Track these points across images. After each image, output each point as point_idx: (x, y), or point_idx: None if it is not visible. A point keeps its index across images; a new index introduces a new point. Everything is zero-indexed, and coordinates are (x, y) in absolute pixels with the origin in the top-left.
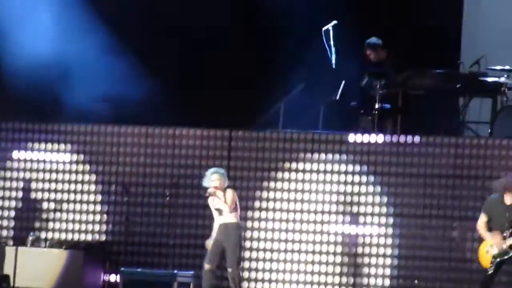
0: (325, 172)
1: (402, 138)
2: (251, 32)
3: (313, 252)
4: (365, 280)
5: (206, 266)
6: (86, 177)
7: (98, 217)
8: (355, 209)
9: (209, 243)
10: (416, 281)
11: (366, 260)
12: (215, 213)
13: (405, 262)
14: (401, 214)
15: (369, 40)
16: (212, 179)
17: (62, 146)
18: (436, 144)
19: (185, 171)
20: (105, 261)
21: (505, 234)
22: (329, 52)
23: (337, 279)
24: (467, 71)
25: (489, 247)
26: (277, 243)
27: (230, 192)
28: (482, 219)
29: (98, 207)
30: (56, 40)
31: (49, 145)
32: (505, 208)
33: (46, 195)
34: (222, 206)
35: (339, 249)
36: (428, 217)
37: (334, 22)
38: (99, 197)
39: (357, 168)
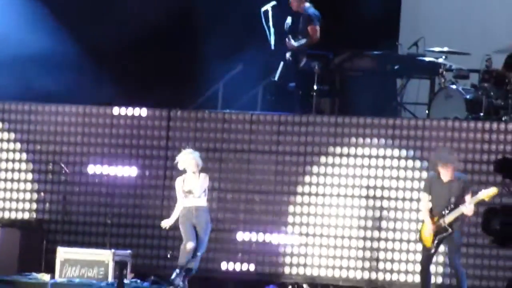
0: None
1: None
2: (189, 12)
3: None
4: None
5: (190, 244)
6: (24, 156)
7: (35, 196)
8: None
9: (166, 224)
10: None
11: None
12: (181, 195)
13: None
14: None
15: None
16: (189, 160)
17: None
18: (374, 125)
19: (123, 151)
20: (43, 240)
21: (443, 212)
22: (268, 33)
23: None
24: (405, 52)
25: (428, 228)
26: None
27: (205, 176)
28: (424, 199)
29: (36, 186)
30: None
31: None
32: (443, 185)
33: None
34: (195, 188)
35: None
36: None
37: (273, 2)
38: (36, 176)
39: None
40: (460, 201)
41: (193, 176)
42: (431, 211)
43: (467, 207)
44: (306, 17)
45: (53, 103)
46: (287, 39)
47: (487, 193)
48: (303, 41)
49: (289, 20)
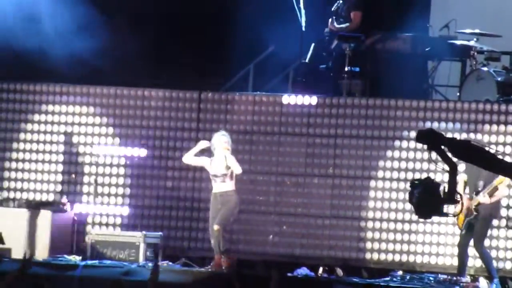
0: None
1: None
2: None
3: None
4: None
5: (216, 226)
6: (55, 138)
7: (66, 178)
8: None
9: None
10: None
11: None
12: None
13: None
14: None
15: None
16: (223, 141)
17: (32, 106)
18: (405, 108)
19: (154, 133)
20: (74, 222)
21: (473, 195)
22: (299, 14)
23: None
24: (437, 34)
25: (462, 209)
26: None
27: (233, 159)
28: (461, 181)
29: (67, 168)
30: None
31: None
32: (476, 168)
33: (14, 155)
34: (222, 171)
35: None
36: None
37: None
38: (67, 158)
39: None
40: (488, 186)
41: (221, 158)
42: (466, 192)
43: (483, 195)
44: (352, 2)
45: (79, 85)
46: (330, 19)
47: (499, 180)
48: (344, 25)
49: (339, 3)
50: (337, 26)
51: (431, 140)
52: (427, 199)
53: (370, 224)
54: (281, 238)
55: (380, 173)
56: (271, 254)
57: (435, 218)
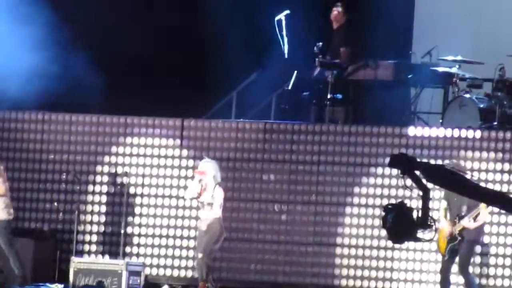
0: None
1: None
2: (204, 21)
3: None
4: None
5: (199, 254)
6: (37, 166)
7: (49, 206)
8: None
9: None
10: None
11: None
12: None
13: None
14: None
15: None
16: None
17: (13, 134)
18: (387, 135)
19: (137, 160)
20: (56, 249)
21: (455, 220)
22: (281, 41)
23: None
24: (419, 61)
25: (444, 234)
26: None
27: (219, 189)
28: (442, 206)
29: (49, 196)
30: None
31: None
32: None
33: None
34: (209, 200)
35: None
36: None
37: (287, 11)
38: (49, 186)
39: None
40: (472, 210)
41: (209, 189)
42: (448, 218)
43: (468, 219)
44: (342, 37)
45: (65, 113)
46: (317, 60)
47: (484, 204)
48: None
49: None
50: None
51: (404, 165)
52: (400, 224)
53: (353, 251)
54: (264, 265)
55: (363, 200)
56: (254, 282)
57: (417, 245)
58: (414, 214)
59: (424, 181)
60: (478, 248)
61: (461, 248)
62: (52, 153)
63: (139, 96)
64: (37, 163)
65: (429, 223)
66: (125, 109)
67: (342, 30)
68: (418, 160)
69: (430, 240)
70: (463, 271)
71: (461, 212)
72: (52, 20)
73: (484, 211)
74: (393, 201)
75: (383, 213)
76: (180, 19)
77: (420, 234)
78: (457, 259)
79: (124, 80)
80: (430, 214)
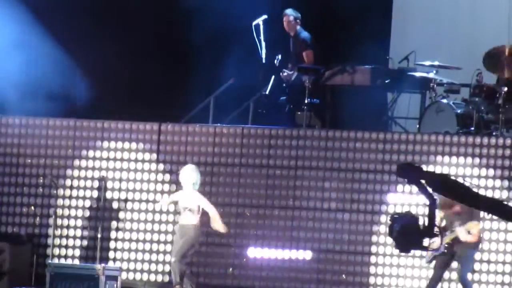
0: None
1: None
2: (180, 25)
3: None
4: None
5: (172, 258)
6: (14, 170)
7: (25, 210)
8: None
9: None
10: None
11: None
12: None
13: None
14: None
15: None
16: (186, 177)
17: None
18: (364, 139)
19: (114, 165)
20: (33, 253)
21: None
22: (259, 46)
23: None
24: (396, 66)
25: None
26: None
27: (199, 196)
28: (438, 215)
29: (26, 200)
30: None
31: None
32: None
33: None
34: (187, 206)
35: None
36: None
37: (264, 16)
38: (26, 190)
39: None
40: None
41: (190, 192)
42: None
43: (461, 232)
44: (301, 42)
45: (43, 117)
46: (281, 73)
47: (469, 225)
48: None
49: (278, 58)
50: (289, 73)
51: (410, 174)
52: (407, 233)
53: (330, 256)
54: (241, 270)
55: (340, 205)
56: (231, 287)
57: (395, 251)
58: (420, 223)
59: (429, 190)
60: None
61: (459, 258)
62: (29, 158)
63: (116, 100)
64: (14, 167)
65: (435, 232)
66: (102, 113)
67: (300, 35)
68: (425, 169)
69: (437, 249)
70: (462, 279)
71: (452, 224)
72: (30, 23)
73: (463, 231)
74: (369, 207)
75: (389, 222)
76: (157, 24)
77: (426, 243)
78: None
79: (101, 84)
80: (436, 223)
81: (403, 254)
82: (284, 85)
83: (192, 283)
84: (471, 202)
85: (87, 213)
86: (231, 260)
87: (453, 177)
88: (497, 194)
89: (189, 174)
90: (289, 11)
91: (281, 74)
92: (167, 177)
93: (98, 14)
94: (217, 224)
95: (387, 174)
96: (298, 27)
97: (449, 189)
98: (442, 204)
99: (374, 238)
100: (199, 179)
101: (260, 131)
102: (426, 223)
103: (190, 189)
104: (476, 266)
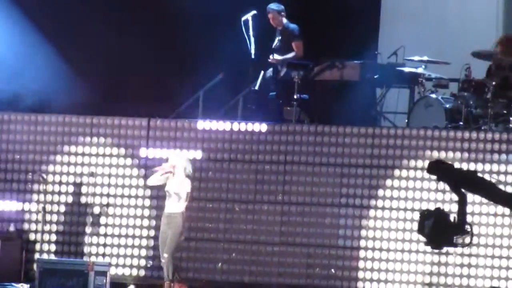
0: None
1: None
2: (169, 20)
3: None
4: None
5: (165, 255)
6: (3, 166)
7: (15, 206)
8: None
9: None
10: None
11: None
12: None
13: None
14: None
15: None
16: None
17: None
18: (353, 134)
19: (103, 160)
20: (23, 249)
21: None
22: (248, 42)
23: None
24: (385, 62)
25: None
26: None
27: (188, 182)
28: None
29: (15, 196)
30: None
31: None
32: None
33: None
34: (174, 192)
35: None
36: (345, 206)
37: (253, 12)
38: (15, 186)
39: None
40: None
41: (179, 179)
42: None
43: None
44: (289, 34)
45: (31, 113)
46: (271, 56)
47: None
48: (290, 55)
49: (276, 40)
50: (280, 57)
51: (440, 171)
52: (439, 230)
53: (319, 250)
54: (230, 265)
55: (329, 200)
56: (220, 282)
57: (383, 244)
58: (451, 220)
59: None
60: None
61: None
62: (18, 153)
63: (105, 96)
64: (3, 163)
65: (465, 228)
66: (91, 109)
67: (288, 27)
68: (455, 166)
69: (468, 245)
70: None
71: None
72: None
73: None
74: (358, 201)
75: (418, 219)
76: (146, 20)
77: (457, 239)
78: None
79: (90, 80)
80: (467, 219)
81: (392, 248)
82: (272, 70)
83: (177, 274)
84: (497, 199)
85: (76, 209)
86: (220, 255)
87: (479, 174)
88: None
89: (184, 160)
90: (271, 6)
91: (270, 57)
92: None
93: (86, 9)
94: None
95: (376, 169)
96: (285, 19)
97: (474, 185)
98: None
99: (363, 233)
100: (191, 166)
101: (250, 126)
102: (457, 220)
103: (182, 175)
104: (473, 251)
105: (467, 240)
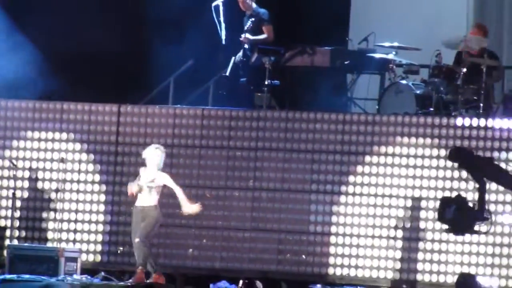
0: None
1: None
2: (139, 5)
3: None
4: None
5: (136, 239)
6: None
7: None
8: None
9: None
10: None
11: None
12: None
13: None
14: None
15: None
16: (151, 156)
17: None
18: (324, 120)
19: (73, 146)
20: None
21: None
22: (219, 27)
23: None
24: (356, 48)
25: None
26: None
27: (163, 176)
28: None
29: None
30: None
31: None
32: None
33: None
34: (147, 185)
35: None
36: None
37: None
38: None
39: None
40: None
41: (152, 172)
42: None
43: None
44: (259, 18)
45: (1, 98)
46: (243, 35)
47: None
48: (261, 36)
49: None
50: (252, 37)
51: (461, 159)
52: (461, 217)
53: (289, 236)
54: (201, 251)
55: (300, 186)
56: (191, 268)
57: (354, 230)
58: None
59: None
60: None
61: None
62: None
63: (75, 82)
64: None
65: (485, 215)
66: (62, 95)
67: (257, 12)
68: (475, 154)
69: (487, 233)
70: None
71: None
72: None
73: None
74: (329, 187)
75: (438, 207)
76: (116, 5)
77: (477, 226)
78: None
79: (60, 66)
80: (487, 207)
81: (362, 234)
82: (242, 54)
83: (153, 264)
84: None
85: (46, 195)
86: (191, 241)
87: (496, 162)
88: (456, 174)
89: (155, 153)
90: None
91: (242, 36)
92: (127, 159)
93: None
94: (186, 206)
95: (347, 155)
96: (254, 4)
97: (491, 172)
98: None
99: (334, 219)
100: (163, 159)
101: (220, 112)
102: (477, 207)
103: (154, 168)
104: (483, 239)
105: (487, 227)
